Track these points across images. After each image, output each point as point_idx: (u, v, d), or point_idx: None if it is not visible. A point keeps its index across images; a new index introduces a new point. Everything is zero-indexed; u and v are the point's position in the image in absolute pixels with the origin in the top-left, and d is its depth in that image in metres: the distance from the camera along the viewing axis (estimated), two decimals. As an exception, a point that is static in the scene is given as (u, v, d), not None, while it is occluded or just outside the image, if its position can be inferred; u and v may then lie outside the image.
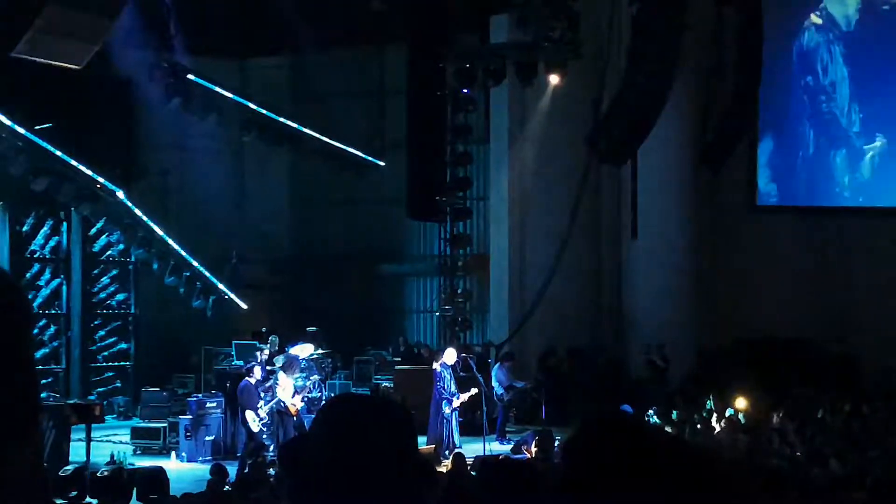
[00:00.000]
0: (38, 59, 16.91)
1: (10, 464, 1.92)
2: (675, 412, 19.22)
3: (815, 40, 25.96)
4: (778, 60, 25.65)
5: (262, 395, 17.85)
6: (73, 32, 16.27)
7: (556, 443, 16.79)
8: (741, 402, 19.60)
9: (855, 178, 26.07)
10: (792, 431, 16.69)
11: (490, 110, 27.03)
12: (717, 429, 17.87)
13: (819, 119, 25.83)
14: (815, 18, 25.88)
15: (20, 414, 1.98)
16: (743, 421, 17.95)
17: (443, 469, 14.94)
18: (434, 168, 25.77)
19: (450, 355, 19.50)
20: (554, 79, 24.91)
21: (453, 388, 19.10)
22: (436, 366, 20.31)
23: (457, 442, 18.87)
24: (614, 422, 2.68)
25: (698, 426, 18.17)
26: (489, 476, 5.21)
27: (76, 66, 17.74)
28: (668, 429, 18.32)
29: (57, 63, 17.16)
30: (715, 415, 18.54)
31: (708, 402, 19.36)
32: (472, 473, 13.19)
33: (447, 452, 18.12)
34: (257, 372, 18.15)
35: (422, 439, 17.81)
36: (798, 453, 14.95)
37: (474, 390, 19.34)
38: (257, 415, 17.68)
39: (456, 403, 19.00)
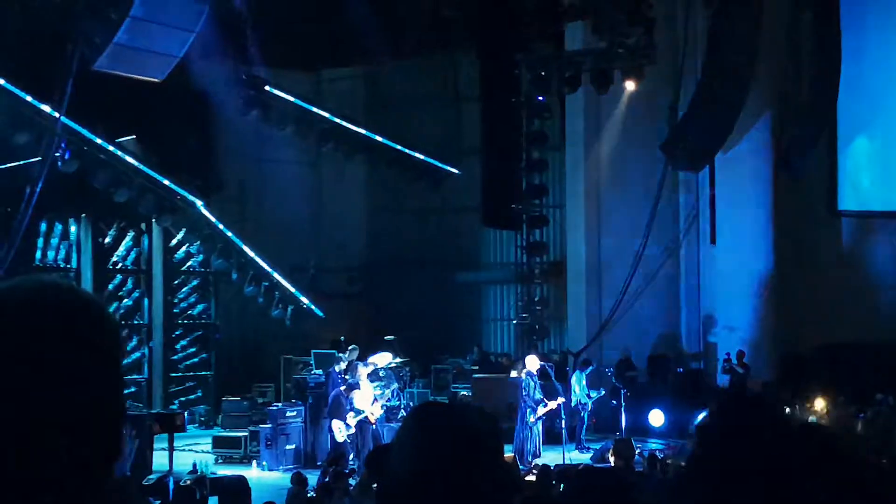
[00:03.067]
0: (119, 73, 17.17)
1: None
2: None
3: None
4: (881, 62, 25.05)
5: (349, 405, 17.93)
6: (154, 46, 16.50)
7: (637, 451, 16.69)
8: (819, 403, 19.34)
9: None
10: (875, 438, 16.43)
11: (565, 117, 26.94)
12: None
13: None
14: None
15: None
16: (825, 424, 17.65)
17: (527, 478, 14.92)
18: (509, 175, 25.78)
19: (532, 362, 19.44)
20: (630, 85, 24.79)
21: (538, 396, 19.02)
22: (515, 374, 20.32)
23: (540, 450, 18.82)
24: (751, 400, 2.63)
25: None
26: (576, 485, 5.17)
27: (156, 80, 18.01)
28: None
29: (137, 76, 17.42)
30: (798, 422, 18.27)
31: (787, 409, 19.08)
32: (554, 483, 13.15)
33: (530, 460, 18.10)
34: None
35: (507, 448, 17.78)
36: (884, 460, 14.66)
37: (561, 399, 19.24)
38: (346, 424, 17.76)
39: (541, 411, 18.93)
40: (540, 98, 25.80)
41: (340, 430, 17.77)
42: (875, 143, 25.14)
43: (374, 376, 19.02)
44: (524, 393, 19.12)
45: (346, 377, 18.55)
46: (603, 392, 21.80)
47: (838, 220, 25.56)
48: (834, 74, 24.62)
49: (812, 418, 18.21)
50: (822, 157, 24.97)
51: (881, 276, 25.31)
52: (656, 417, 21.73)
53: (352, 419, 17.77)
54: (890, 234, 25.61)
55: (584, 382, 21.25)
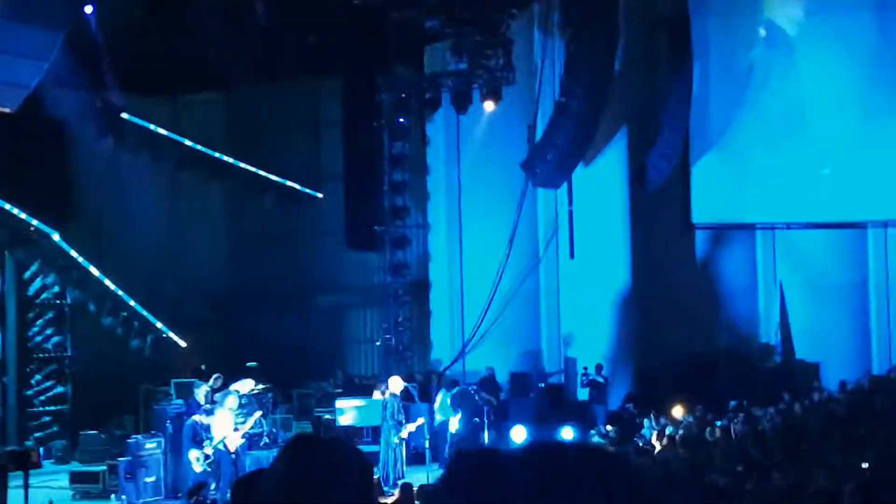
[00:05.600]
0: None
1: None
2: (613, 431, 19.30)
3: (766, 53, 25.63)
4: (728, 76, 25.61)
5: (206, 433, 17.68)
6: (6, 77, 16.18)
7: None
8: (678, 411, 19.71)
9: (806, 192, 25.63)
10: (731, 446, 16.76)
11: (426, 139, 27.09)
12: (658, 447, 17.90)
13: (771, 134, 25.48)
14: (762, 31, 25.70)
15: None
16: (681, 434, 17.97)
17: (389, 500, 14.93)
18: (371, 198, 25.85)
19: (395, 384, 19.50)
20: (489, 106, 25.03)
21: (400, 417, 19.10)
22: (378, 395, 20.32)
23: (404, 471, 18.86)
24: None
25: (640, 444, 18.21)
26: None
27: (9, 110, 17.62)
28: (610, 449, 18.35)
29: (-10, 108, 17.04)
30: (655, 433, 18.58)
31: (646, 420, 19.45)
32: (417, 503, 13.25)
33: (395, 482, 18.09)
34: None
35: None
36: (739, 468, 14.96)
37: (421, 420, 19.35)
38: (203, 454, 17.51)
39: (404, 433, 18.99)
40: (401, 120, 25.93)
41: (198, 460, 17.52)
42: (723, 157, 25.75)
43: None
44: (387, 414, 19.16)
45: (211, 406, 18.32)
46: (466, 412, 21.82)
47: (692, 232, 26.15)
48: (686, 91, 25.20)
49: (670, 429, 18.54)
50: (676, 172, 25.51)
51: (734, 287, 25.99)
52: (519, 434, 21.86)
53: (209, 448, 17.53)
54: (741, 244, 26.31)
55: (448, 402, 21.30)
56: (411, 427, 19.12)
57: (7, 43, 16.59)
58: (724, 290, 25.94)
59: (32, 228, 21.93)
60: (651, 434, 18.72)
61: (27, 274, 23.69)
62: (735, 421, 18.62)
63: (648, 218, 25.20)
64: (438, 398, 21.69)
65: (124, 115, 24.49)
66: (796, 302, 25.51)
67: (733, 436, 17.71)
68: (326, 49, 26.24)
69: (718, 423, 18.71)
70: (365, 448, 19.99)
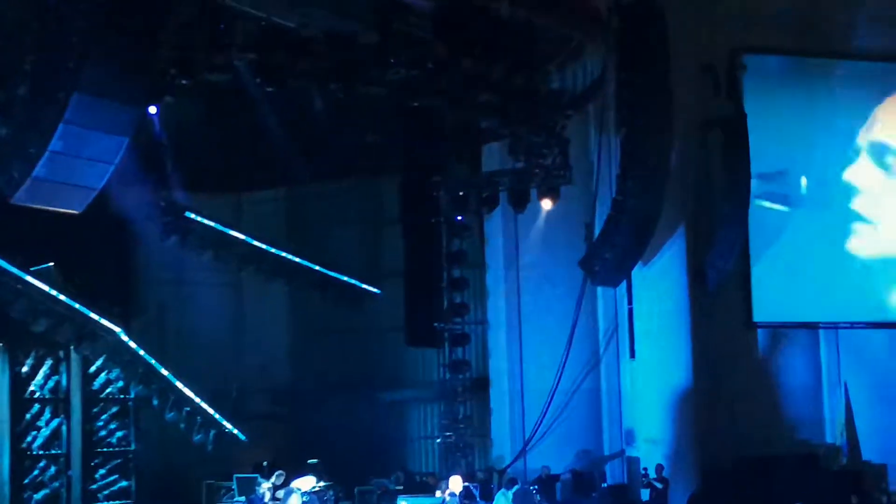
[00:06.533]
0: (37, 206, 17.14)
1: None
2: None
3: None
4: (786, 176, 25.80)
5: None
6: (73, 179, 16.53)
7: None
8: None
9: (869, 291, 25.66)
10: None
11: (484, 236, 27.32)
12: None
13: (832, 232, 25.56)
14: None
15: None
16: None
17: None
18: (431, 295, 26.02)
19: (455, 483, 19.48)
20: (546, 204, 25.23)
21: (461, 518, 19.06)
22: (439, 494, 20.28)
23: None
24: None
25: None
26: None
27: (76, 212, 17.98)
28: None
29: (56, 209, 17.39)
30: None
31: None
32: None
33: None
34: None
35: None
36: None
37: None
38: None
39: (464, 533, 18.94)
40: (459, 218, 26.21)
41: (260, 559, 17.59)
42: (785, 255, 25.76)
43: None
44: (446, 514, 19.11)
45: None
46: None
47: (753, 331, 26.04)
48: (744, 189, 25.25)
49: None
50: (736, 270, 25.49)
51: (797, 386, 25.78)
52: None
53: (273, 545, 17.60)
54: (804, 343, 26.14)
55: (507, 501, 21.20)
56: (470, 528, 19.06)
57: (75, 147, 16.94)
58: (788, 389, 25.73)
59: (97, 325, 22.20)
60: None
61: (92, 369, 23.98)
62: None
63: (708, 316, 25.11)
64: (497, 498, 21.59)
65: (189, 214, 24.89)
66: (862, 403, 25.24)
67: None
68: (384, 147, 26.67)
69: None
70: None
